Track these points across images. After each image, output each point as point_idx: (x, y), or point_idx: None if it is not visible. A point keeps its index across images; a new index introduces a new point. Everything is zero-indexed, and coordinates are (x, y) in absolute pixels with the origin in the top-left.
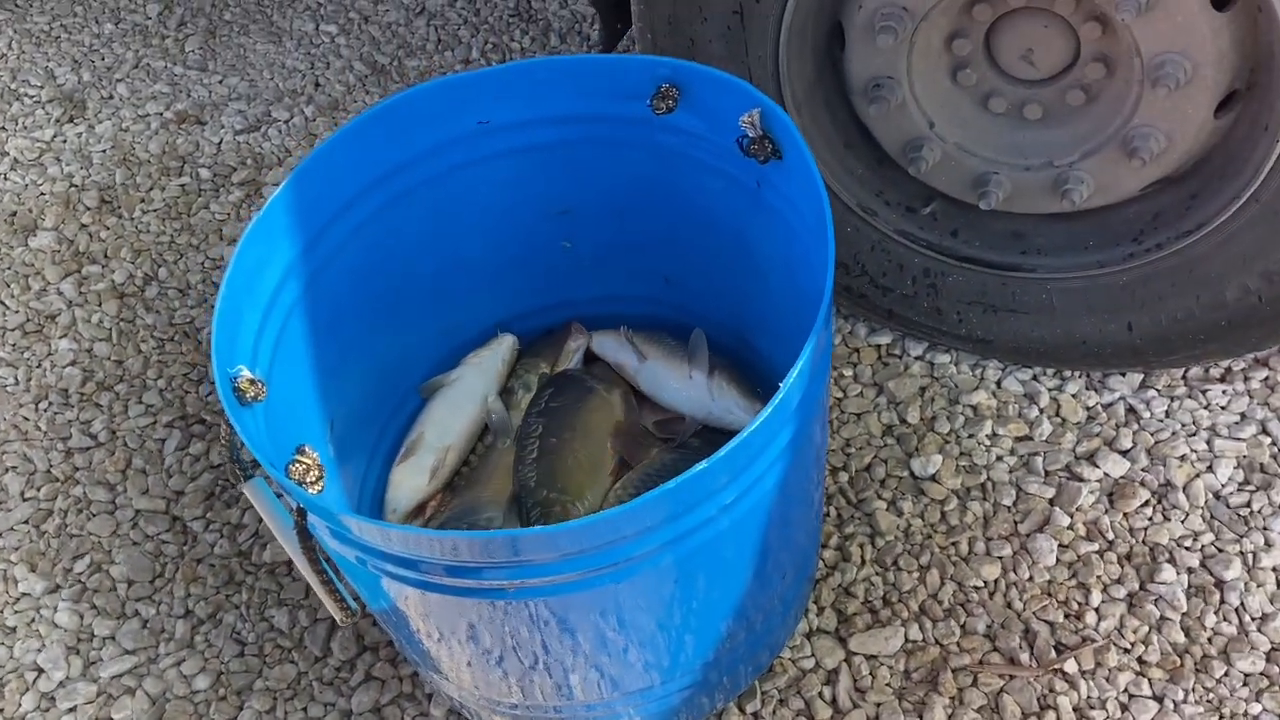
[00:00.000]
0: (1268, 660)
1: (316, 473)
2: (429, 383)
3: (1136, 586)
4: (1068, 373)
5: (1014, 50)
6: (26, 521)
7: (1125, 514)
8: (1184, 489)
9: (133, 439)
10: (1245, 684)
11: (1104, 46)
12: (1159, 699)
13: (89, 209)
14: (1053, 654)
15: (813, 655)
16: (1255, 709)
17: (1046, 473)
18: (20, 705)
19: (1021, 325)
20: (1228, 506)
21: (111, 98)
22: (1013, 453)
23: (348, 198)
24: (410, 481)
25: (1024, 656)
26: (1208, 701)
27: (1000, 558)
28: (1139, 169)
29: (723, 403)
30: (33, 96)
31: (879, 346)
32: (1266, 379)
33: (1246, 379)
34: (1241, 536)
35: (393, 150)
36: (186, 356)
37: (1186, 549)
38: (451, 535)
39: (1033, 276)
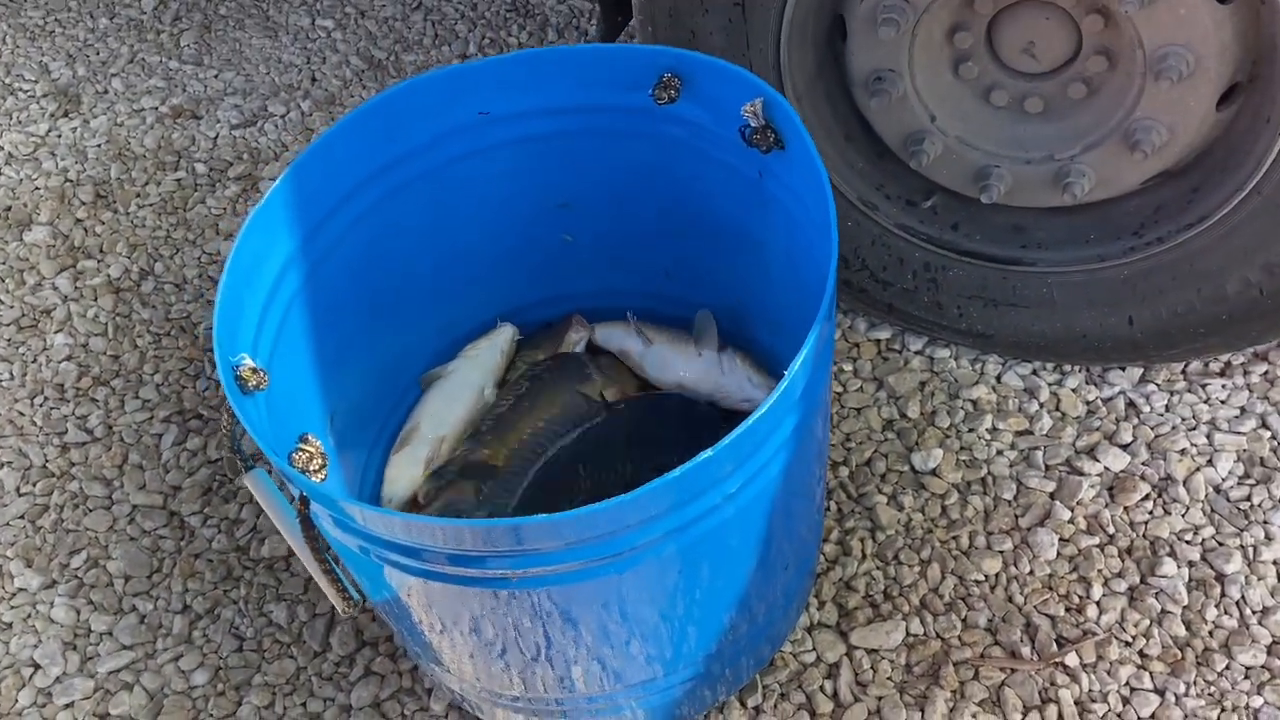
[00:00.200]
0: (1269, 653)
1: (320, 461)
2: (428, 374)
3: (1137, 580)
4: (1067, 367)
5: (1015, 43)
6: (22, 517)
7: (1126, 508)
8: (1184, 483)
9: (129, 434)
10: (1246, 677)
11: (1106, 39)
12: (1160, 692)
13: (84, 203)
14: (1054, 647)
15: (814, 649)
16: (1256, 702)
17: (1047, 467)
18: (17, 701)
19: (1022, 319)
20: (1228, 500)
21: (106, 92)
22: (1013, 447)
23: (347, 189)
24: (406, 472)
25: (1025, 650)
26: (1209, 694)
27: (1001, 552)
28: (1140, 162)
29: (734, 378)
30: (27, 91)
31: (879, 341)
32: (1266, 373)
33: (1246, 373)
34: (1242, 530)
35: (393, 141)
36: (183, 351)
37: (1187, 542)
38: (455, 523)
39: (1033, 270)
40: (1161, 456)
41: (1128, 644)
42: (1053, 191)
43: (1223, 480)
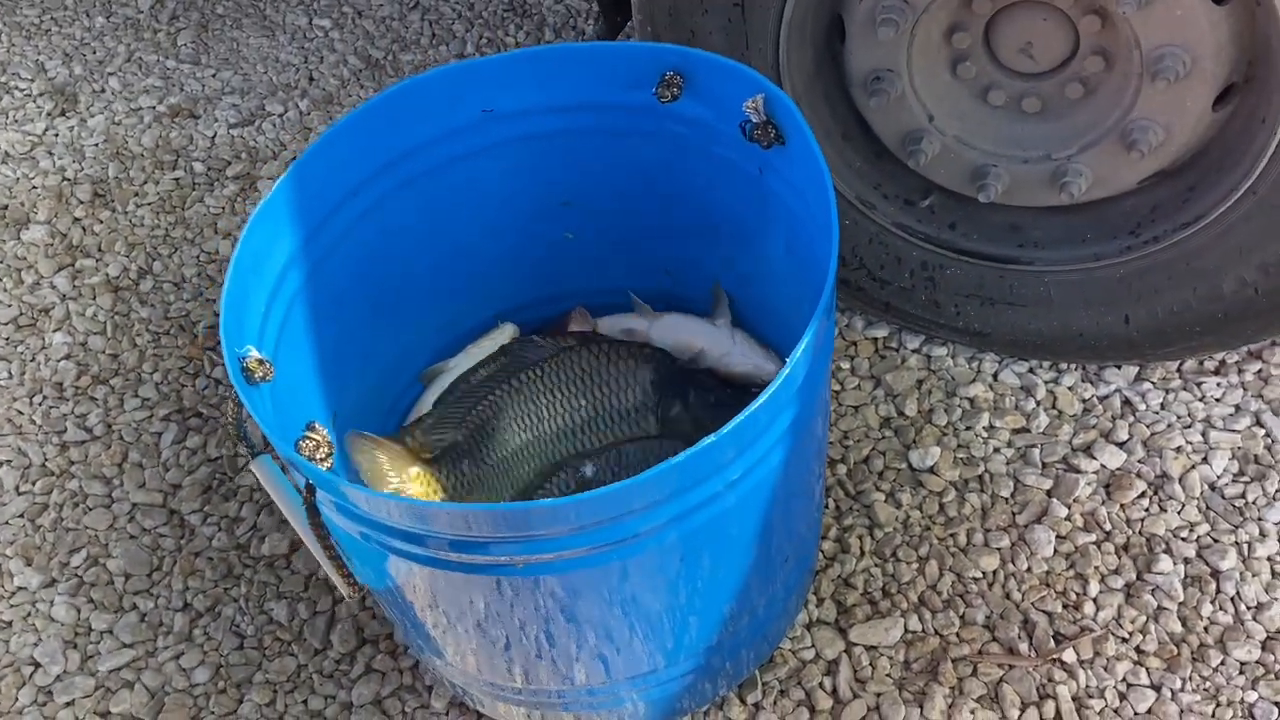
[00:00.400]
0: (1263, 649)
1: (326, 449)
2: (429, 370)
3: (1134, 577)
4: (1064, 365)
5: (1013, 43)
6: (21, 515)
7: (1122, 505)
8: (1180, 480)
9: (129, 432)
10: (1241, 672)
11: (1103, 40)
12: (1156, 688)
13: (82, 202)
14: (1051, 644)
15: (813, 646)
16: (1251, 697)
17: (1044, 464)
18: (17, 699)
19: (1019, 318)
20: (1223, 497)
21: (103, 91)
22: (1010, 445)
23: (350, 187)
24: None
25: (1023, 646)
26: (1204, 690)
27: (999, 549)
28: (1137, 162)
29: (743, 347)
30: (23, 90)
31: (876, 339)
32: (1260, 371)
33: (1241, 371)
34: (1237, 527)
35: (395, 139)
36: (182, 350)
37: (1183, 539)
38: (459, 508)
39: (1030, 269)
40: (1157, 454)
41: (1124, 640)
42: (1050, 191)
43: (1218, 477)
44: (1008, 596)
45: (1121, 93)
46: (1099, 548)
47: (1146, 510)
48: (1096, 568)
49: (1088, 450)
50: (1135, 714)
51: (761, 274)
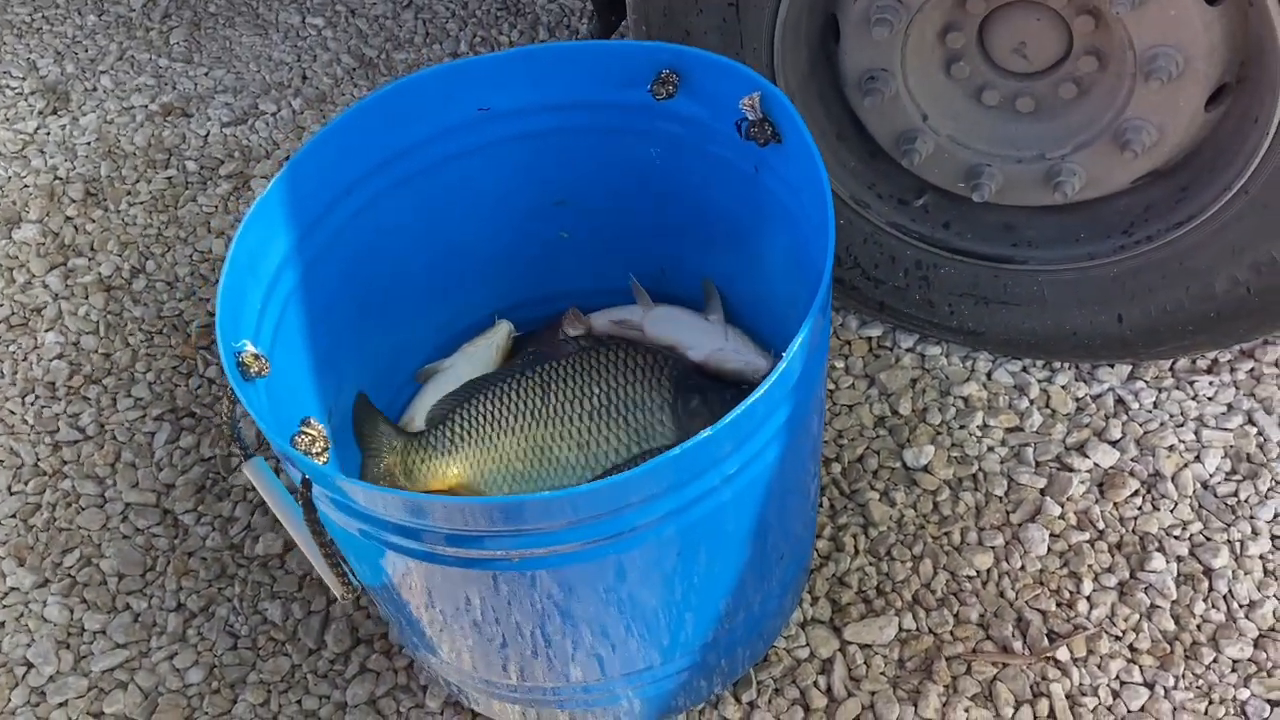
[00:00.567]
0: (1256, 646)
1: (322, 444)
2: (424, 369)
3: (1127, 575)
4: (1057, 364)
5: (1007, 43)
6: (14, 515)
7: (1115, 503)
8: (1172, 479)
9: (122, 432)
10: (1234, 670)
11: (1097, 40)
12: (1150, 685)
13: (74, 201)
14: (1045, 642)
15: (807, 645)
16: (1244, 694)
17: (1037, 463)
18: (10, 700)
19: (1013, 317)
20: (1215, 496)
21: (95, 90)
22: (1004, 443)
23: (345, 185)
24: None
25: (1017, 645)
26: (1197, 688)
27: (992, 547)
28: (1130, 161)
29: (735, 344)
30: (14, 88)
31: (870, 339)
32: (1252, 370)
33: (1233, 370)
34: (1229, 525)
35: (390, 138)
36: (175, 349)
37: (1175, 538)
38: (455, 501)
39: (1024, 269)
40: (1150, 453)
41: (1118, 638)
42: (1043, 190)
43: (1210, 476)
44: (1001, 595)
45: (1115, 93)
46: (1092, 546)
47: (1139, 509)
48: (1090, 566)
49: (1081, 449)
50: (1129, 712)
51: (757, 272)
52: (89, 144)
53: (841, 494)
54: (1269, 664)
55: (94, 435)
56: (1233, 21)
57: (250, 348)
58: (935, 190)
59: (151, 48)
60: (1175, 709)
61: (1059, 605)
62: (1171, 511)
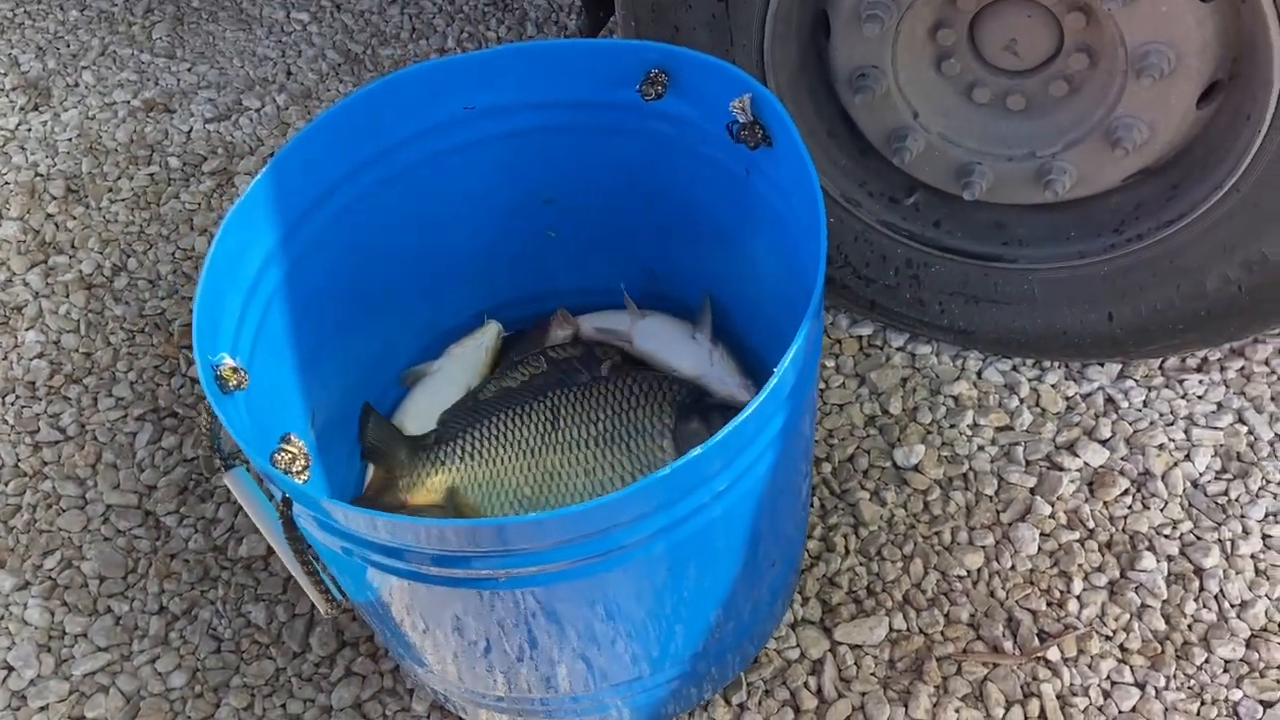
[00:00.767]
0: (1247, 646)
1: (303, 461)
2: (410, 371)
3: (1117, 574)
4: (1047, 363)
5: (998, 40)
6: None
7: (1105, 503)
8: (1163, 478)
9: (103, 433)
10: (1225, 670)
11: (1088, 37)
12: (1140, 685)
13: (55, 198)
14: (1036, 642)
15: (798, 646)
16: (1235, 695)
17: (1027, 462)
18: None
19: (1003, 316)
20: (1206, 495)
21: (77, 85)
22: (994, 442)
23: (329, 184)
24: None
25: (1007, 645)
26: (1189, 688)
27: (983, 547)
28: (1121, 159)
29: (720, 370)
30: None
31: (860, 338)
32: (1242, 368)
33: (1223, 369)
34: (1220, 524)
35: (375, 136)
36: (157, 348)
37: (1166, 537)
38: (440, 523)
39: (1014, 267)
40: (1140, 452)
41: (1108, 638)
42: (1034, 188)
43: (1200, 475)
44: (992, 595)
45: (1106, 90)
46: (1082, 545)
47: (1130, 508)
48: (1080, 565)
49: (1071, 448)
50: (1119, 712)
51: (747, 272)
52: (70, 140)
53: (832, 494)
54: (1261, 664)
55: (75, 436)
56: (1225, 18)
57: (228, 360)
58: (926, 188)
59: (134, 43)
60: (1166, 709)
61: (1049, 605)
62: (1162, 511)
